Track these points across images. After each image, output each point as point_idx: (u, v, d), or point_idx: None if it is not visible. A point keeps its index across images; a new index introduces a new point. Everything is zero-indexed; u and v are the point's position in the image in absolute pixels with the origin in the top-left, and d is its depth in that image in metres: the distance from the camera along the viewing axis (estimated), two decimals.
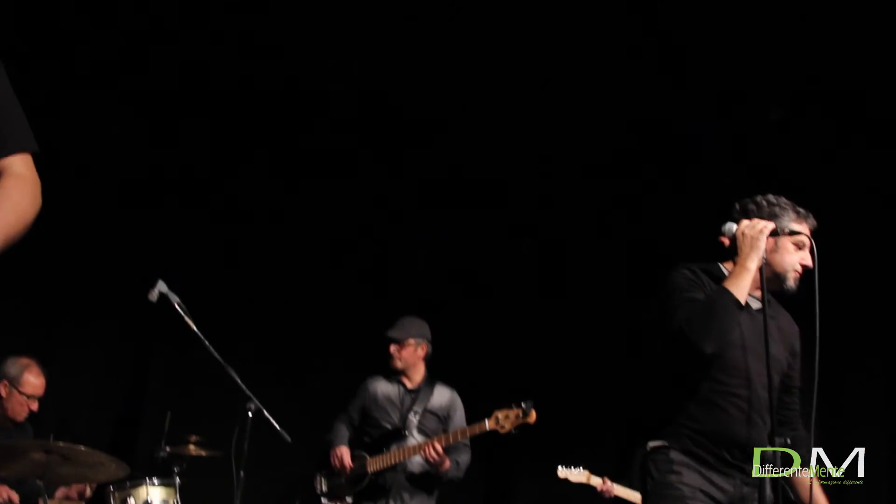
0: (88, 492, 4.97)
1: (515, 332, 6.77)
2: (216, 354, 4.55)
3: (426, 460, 4.79)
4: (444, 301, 6.40)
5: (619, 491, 5.74)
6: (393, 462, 4.89)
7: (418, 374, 5.17)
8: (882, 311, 5.75)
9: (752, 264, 2.99)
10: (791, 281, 3.11)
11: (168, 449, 4.95)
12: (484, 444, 5.10)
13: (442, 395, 5.14)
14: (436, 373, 5.25)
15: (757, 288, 3.04)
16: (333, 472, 5.02)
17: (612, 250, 6.58)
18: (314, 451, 5.19)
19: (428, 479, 4.93)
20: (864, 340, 5.75)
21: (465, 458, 4.99)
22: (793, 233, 3.10)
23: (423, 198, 6.77)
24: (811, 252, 3.09)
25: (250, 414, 4.57)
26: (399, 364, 5.12)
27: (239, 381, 4.56)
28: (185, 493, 4.81)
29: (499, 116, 6.18)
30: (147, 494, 4.66)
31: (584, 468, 5.72)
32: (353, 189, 6.69)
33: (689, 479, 2.96)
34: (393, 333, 5.14)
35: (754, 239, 3.01)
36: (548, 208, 6.83)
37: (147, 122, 6.03)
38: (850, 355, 5.60)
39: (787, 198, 3.18)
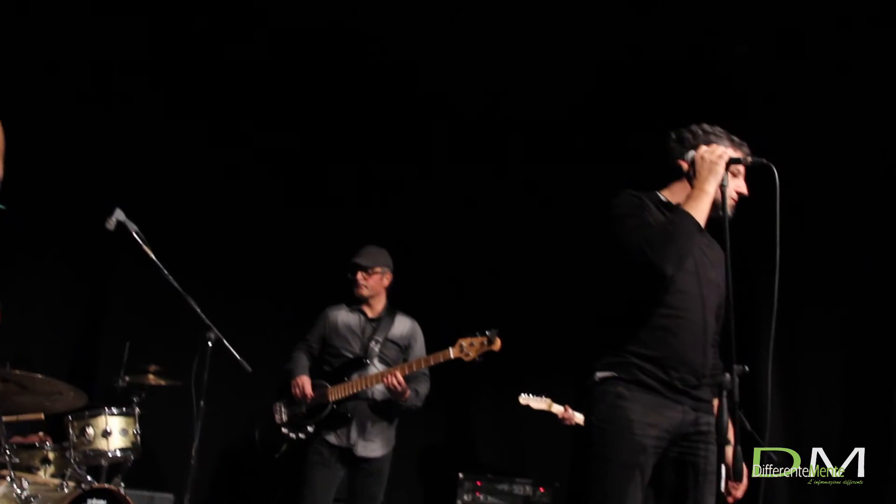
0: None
1: (478, 262, 6.77)
2: (175, 283, 4.52)
3: (387, 388, 4.80)
4: (406, 232, 6.38)
5: (581, 419, 5.78)
6: (354, 391, 4.88)
7: (380, 303, 5.16)
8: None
9: (711, 188, 2.98)
10: (728, 208, 3.10)
11: (127, 379, 4.94)
12: (444, 374, 5.10)
13: (403, 325, 5.14)
14: (397, 304, 5.24)
15: None
16: (294, 402, 5.01)
17: (581, 180, 6.54)
18: (274, 381, 5.18)
19: (389, 407, 4.95)
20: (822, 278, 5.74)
21: (424, 387, 5.01)
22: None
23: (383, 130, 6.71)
24: (746, 179, 3.09)
25: (210, 343, 4.56)
26: (365, 291, 5.10)
27: (198, 310, 4.55)
28: (145, 423, 4.80)
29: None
30: (106, 424, 4.63)
31: (545, 396, 5.76)
32: (316, 121, 6.61)
33: (636, 413, 2.94)
34: (360, 260, 5.11)
35: (713, 164, 3.00)
36: (518, 134, 6.80)
37: (107, 43, 5.88)
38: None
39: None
